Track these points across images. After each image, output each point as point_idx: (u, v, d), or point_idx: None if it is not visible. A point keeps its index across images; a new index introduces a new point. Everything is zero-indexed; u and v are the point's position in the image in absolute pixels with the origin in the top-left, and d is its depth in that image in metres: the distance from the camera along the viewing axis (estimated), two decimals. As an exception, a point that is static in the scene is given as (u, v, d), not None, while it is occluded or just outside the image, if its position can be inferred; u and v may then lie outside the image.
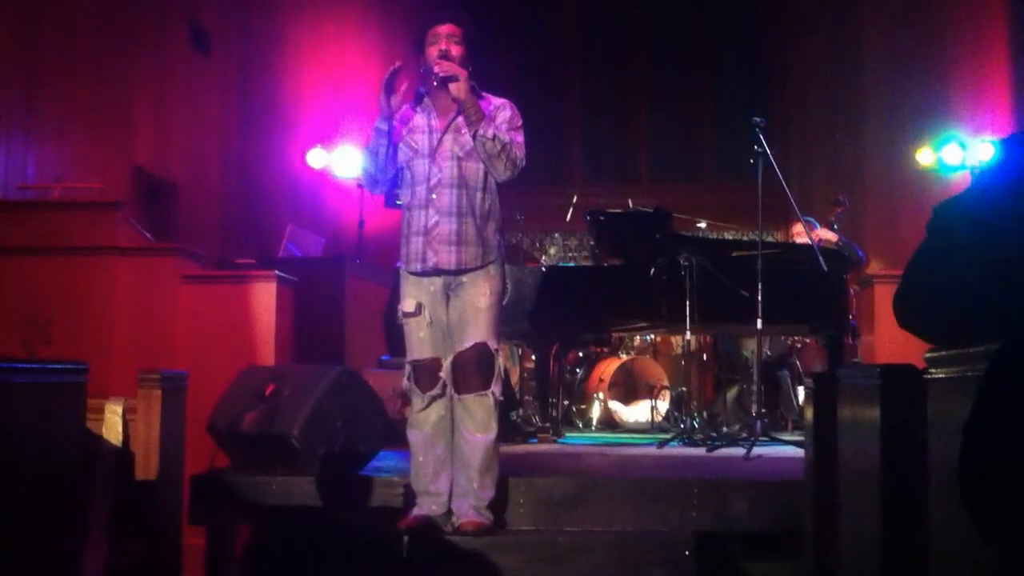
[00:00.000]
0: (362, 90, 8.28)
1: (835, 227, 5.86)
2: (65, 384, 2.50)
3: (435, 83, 3.22)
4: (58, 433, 2.45)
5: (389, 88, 3.20)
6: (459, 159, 3.24)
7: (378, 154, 3.28)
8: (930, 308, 1.94)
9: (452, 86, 3.16)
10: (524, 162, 3.26)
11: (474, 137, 3.18)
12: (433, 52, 3.23)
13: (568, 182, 9.28)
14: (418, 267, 3.24)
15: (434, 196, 3.23)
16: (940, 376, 1.98)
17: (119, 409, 3.02)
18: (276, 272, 4.74)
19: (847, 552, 2.52)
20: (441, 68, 3.18)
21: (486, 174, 3.26)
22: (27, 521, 2.23)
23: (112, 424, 3.02)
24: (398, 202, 3.45)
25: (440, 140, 3.26)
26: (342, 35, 8.75)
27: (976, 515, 1.54)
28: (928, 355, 2.02)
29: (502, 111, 3.29)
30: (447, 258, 3.21)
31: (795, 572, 2.95)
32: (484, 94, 3.32)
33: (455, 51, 3.23)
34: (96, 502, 2.78)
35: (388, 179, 3.33)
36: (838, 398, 2.61)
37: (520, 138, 3.28)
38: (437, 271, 3.23)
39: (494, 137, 3.17)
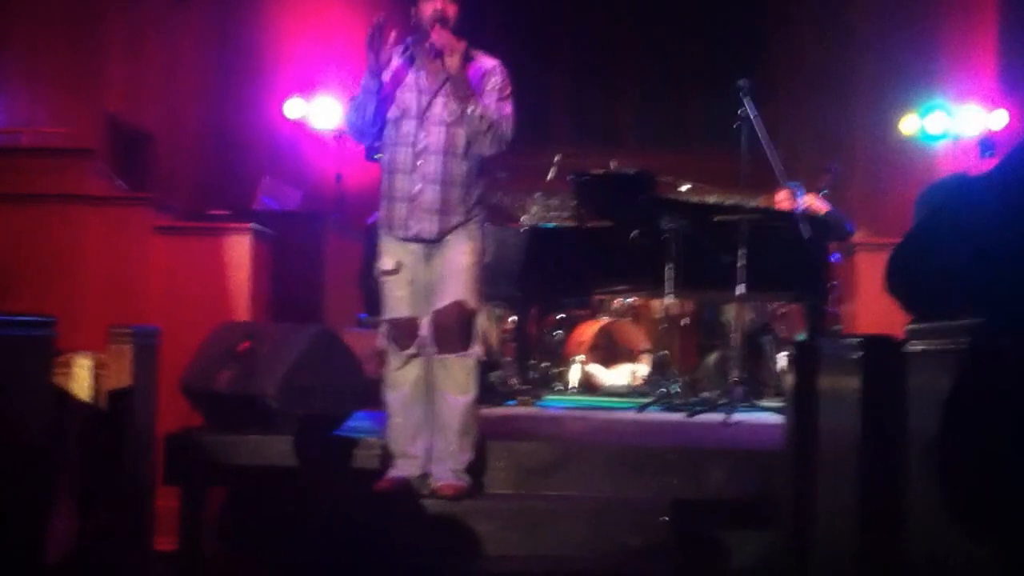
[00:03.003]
0: (344, 39, 8.09)
1: (823, 194, 5.81)
2: (32, 338, 2.41)
3: (428, 48, 3.15)
4: (24, 391, 2.37)
5: (375, 45, 3.11)
6: (448, 125, 3.18)
7: (366, 109, 3.20)
8: (921, 284, 1.93)
9: (447, 58, 3.10)
10: (511, 135, 3.21)
11: (461, 113, 3.13)
12: (428, 9, 3.14)
13: (552, 143, 9.16)
14: (400, 233, 3.19)
15: (420, 162, 3.16)
16: (920, 348, 1.97)
17: (88, 364, 2.93)
18: (252, 225, 4.64)
19: (824, 522, 2.52)
20: (439, 38, 3.11)
21: (472, 140, 3.19)
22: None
23: (81, 379, 2.94)
24: (377, 156, 3.39)
25: (430, 103, 3.19)
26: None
27: (951, 495, 1.52)
28: (909, 327, 2.01)
29: (492, 76, 3.22)
30: (430, 227, 3.16)
31: (772, 541, 2.95)
32: (475, 53, 3.25)
33: (450, 11, 3.15)
34: (66, 463, 2.71)
35: (375, 132, 3.26)
36: (819, 368, 2.60)
37: (509, 108, 3.22)
38: (418, 239, 3.17)
39: (481, 117, 3.13)
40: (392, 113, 3.21)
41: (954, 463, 1.55)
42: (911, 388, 2.00)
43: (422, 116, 3.17)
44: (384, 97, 3.19)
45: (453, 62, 3.11)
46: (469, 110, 3.12)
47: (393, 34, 3.16)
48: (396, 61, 3.24)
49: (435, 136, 3.16)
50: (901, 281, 2.00)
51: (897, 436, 2.01)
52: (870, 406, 2.12)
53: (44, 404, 2.49)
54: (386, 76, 3.20)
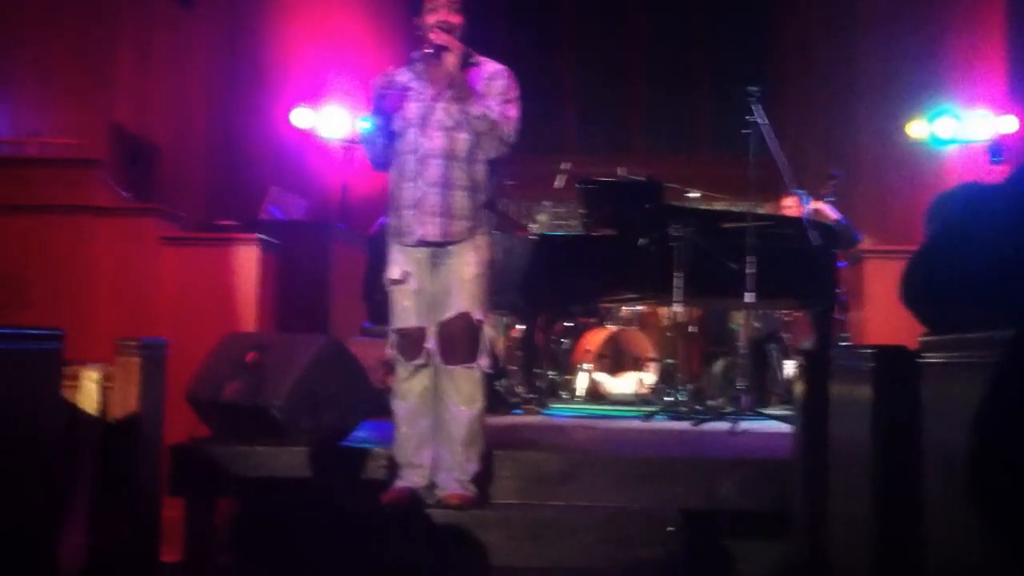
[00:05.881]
0: (351, 48, 8.11)
1: (828, 200, 5.79)
2: (41, 352, 2.42)
3: (429, 51, 3.18)
4: (33, 404, 2.37)
5: (383, 103, 3.18)
6: (448, 130, 3.19)
7: (376, 145, 3.27)
8: (936, 296, 1.92)
9: (445, 56, 3.14)
10: (515, 138, 3.22)
11: (462, 117, 3.15)
12: (431, 20, 3.18)
13: (560, 150, 9.15)
14: (406, 240, 3.20)
15: (423, 167, 3.17)
16: (934, 360, 1.95)
17: (96, 376, 2.94)
18: (260, 236, 4.65)
19: (838, 532, 2.50)
20: (437, 37, 3.15)
21: (475, 145, 3.20)
22: (1, 497, 2.17)
23: (89, 392, 2.94)
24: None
25: (431, 110, 3.21)
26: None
27: (983, 508, 1.51)
28: (923, 339, 2.00)
29: (497, 80, 3.23)
30: (433, 230, 3.16)
31: (783, 552, 2.94)
32: (480, 59, 3.27)
33: (455, 20, 3.19)
34: (76, 476, 2.71)
35: (391, 158, 3.29)
36: (830, 377, 2.59)
37: (513, 111, 3.22)
38: (424, 243, 3.17)
39: (482, 116, 3.15)
40: (398, 125, 3.24)
41: (978, 474, 1.54)
42: (925, 399, 1.99)
43: (423, 123, 3.19)
44: (391, 132, 3.24)
45: (451, 59, 3.14)
46: (469, 111, 3.14)
47: (399, 81, 3.22)
48: (402, 77, 3.26)
49: (437, 141, 3.18)
50: (916, 293, 1.99)
51: (911, 447, 2.00)
52: (883, 416, 2.12)
53: (53, 417, 2.49)
54: (397, 92, 3.23)
